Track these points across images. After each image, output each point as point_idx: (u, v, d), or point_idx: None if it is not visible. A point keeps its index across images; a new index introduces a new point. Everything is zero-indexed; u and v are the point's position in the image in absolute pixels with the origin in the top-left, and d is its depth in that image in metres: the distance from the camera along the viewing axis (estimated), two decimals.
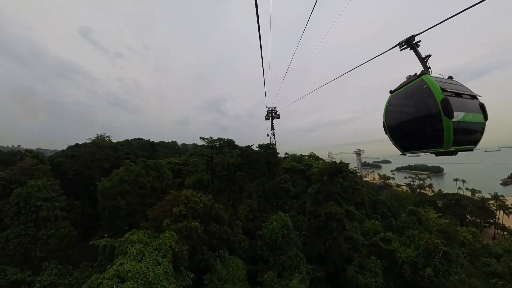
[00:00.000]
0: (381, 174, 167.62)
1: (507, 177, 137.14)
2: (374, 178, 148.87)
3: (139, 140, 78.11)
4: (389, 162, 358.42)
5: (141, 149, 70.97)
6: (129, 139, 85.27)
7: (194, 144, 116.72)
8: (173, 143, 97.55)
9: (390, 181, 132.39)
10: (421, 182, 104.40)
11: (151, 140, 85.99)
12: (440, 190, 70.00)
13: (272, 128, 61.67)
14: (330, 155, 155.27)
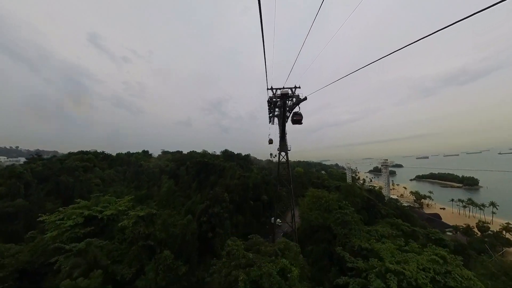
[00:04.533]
0: (407, 187, 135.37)
1: None
2: (402, 195, 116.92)
3: (80, 155, 50.87)
4: (400, 166, 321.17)
5: (70, 172, 43.90)
6: (64, 152, 57.66)
7: (177, 152, 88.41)
8: (143, 154, 69.24)
9: (426, 201, 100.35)
10: (479, 209, 72.53)
11: (107, 153, 58.93)
12: None
13: (283, 139, 28.34)
14: (349, 167, 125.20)
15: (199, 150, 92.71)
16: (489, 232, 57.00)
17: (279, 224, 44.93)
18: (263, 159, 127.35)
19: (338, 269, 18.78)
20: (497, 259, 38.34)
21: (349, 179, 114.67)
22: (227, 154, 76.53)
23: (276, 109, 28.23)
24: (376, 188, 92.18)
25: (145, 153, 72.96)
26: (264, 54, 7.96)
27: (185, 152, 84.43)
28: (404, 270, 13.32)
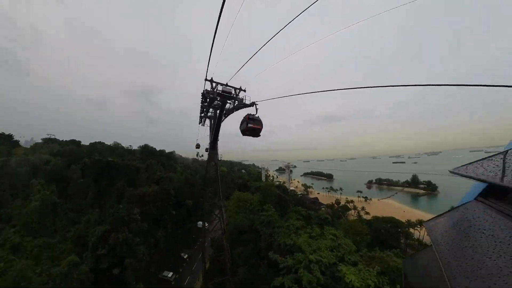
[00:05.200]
0: (299, 181, 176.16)
1: (367, 182, 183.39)
2: (297, 187, 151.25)
3: None
4: (295, 166, 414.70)
5: None
6: None
7: (72, 141, 59.02)
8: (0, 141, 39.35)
9: (310, 189, 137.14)
10: (335, 192, 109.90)
11: None
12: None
13: (214, 146, 23.73)
14: (263, 168, 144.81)
15: (110, 142, 68.22)
16: (340, 204, 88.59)
17: (207, 228, 42.93)
18: (190, 157, 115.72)
19: (267, 263, 19.69)
20: (345, 220, 60.47)
21: (263, 177, 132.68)
22: (147, 150, 61.31)
23: (211, 110, 23.19)
24: (281, 183, 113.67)
25: (6, 138, 40.93)
26: (214, 35, 5.94)
27: (86, 143, 58.00)
28: (321, 258, 16.31)
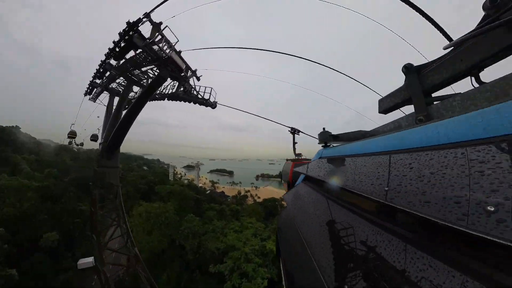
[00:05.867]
0: (207, 178, 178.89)
1: (256, 175, 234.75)
2: (205, 183, 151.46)
3: None
4: (202, 164, 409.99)
5: None
6: None
7: None
8: None
9: (217, 185, 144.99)
10: (236, 185, 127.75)
11: None
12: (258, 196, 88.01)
13: (112, 151, 14.33)
14: (171, 165, 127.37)
15: None
16: (241, 194, 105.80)
17: (94, 264, 20.39)
18: (54, 141, 63.54)
19: (199, 271, 18.02)
20: (246, 206, 74.73)
21: (171, 176, 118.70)
22: None
23: (121, 79, 12.42)
24: (190, 180, 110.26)
25: None
26: None
27: None
28: (253, 246, 17.50)
